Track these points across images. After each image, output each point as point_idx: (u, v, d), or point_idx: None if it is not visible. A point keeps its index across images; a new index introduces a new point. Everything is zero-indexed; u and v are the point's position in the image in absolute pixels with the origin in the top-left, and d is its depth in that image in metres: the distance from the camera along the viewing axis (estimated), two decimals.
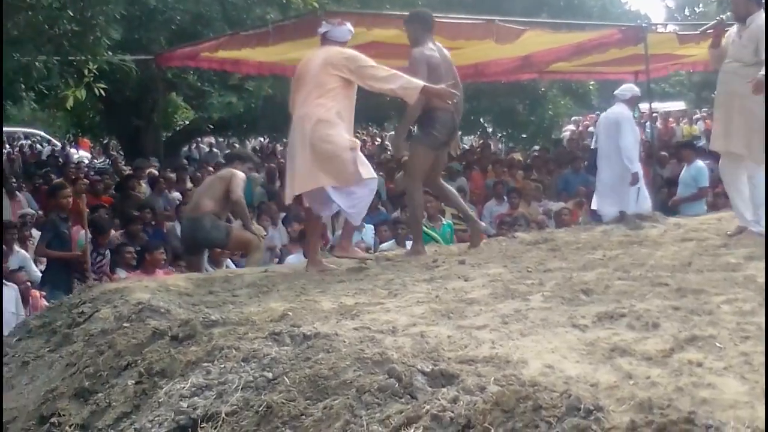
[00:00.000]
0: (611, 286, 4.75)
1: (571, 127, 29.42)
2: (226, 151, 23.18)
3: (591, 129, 25.88)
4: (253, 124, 21.43)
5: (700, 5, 42.35)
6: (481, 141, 21.94)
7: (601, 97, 26.90)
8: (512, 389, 2.86)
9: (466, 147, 21.52)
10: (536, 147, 17.50)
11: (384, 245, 9.54)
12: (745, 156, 6.51)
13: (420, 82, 6.35)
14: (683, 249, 6.10)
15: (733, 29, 6.68)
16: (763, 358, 3.24)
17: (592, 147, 10.16)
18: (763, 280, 4.68)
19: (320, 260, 6.64)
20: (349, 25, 6.70)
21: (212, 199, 8.50)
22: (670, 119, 27.08)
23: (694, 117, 27.95)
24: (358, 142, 6.52)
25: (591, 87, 22.42)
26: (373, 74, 6.36)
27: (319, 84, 6.38)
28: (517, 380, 3.04)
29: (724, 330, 3.66)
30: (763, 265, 5.15)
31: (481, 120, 23.35)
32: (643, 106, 25.35)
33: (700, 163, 11.39)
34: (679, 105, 32.45)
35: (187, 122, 21.21)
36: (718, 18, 6.69)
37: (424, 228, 9.61)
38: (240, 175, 8.67)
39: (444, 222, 10.03)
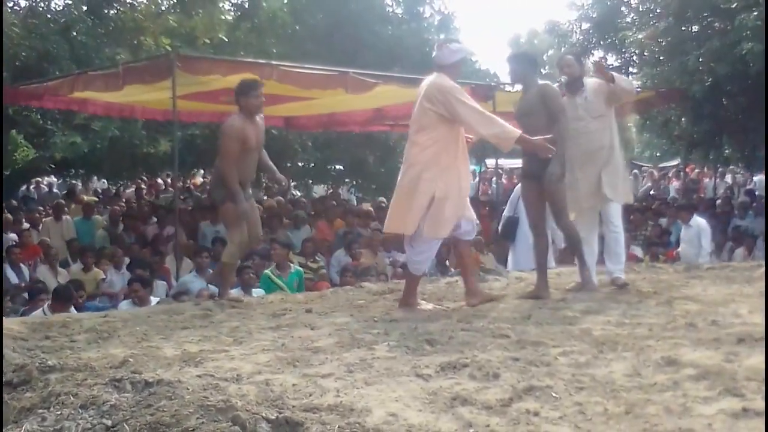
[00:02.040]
0: (455, 337, 4.85)
1: None
2: (65, 192, 22.42)
3: None
4: (98, 165, 20.85)
5: (546, 68, 44.34)
6: (331, 190, 22.06)
7: None
8: None
9: (317, 195, 21.65)
10: (382, 198, 17.65)
11: None
12: (612, 198, 6.83)
13: (516, 132, 5.86)
14: (524, 302, 6.29)
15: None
16: (596, 408, 3.38)
17: (506, 214, 10.29)
18: (598, 333, 4.90)
19: (480, 289, 6.33)
20: (456, 44, 6.12)
21: None
22: (514, 176, 28.03)
23: None
24: (447, 191, 5.90)
25: None
26: (466, 115, 5.79)
27: (415, 119, 5.95)
28: (360, 428, 3.07)
29: (560, 381, 3.80)
30: (599, 318, 5.41)
31: (336, 167, 23.47)
32: (490, 162, 26.28)
33: None
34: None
35: (27, 161, 20.41)
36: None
37: (270, 276, 9.58)
38: None
39: (292, 270, 9.99)
